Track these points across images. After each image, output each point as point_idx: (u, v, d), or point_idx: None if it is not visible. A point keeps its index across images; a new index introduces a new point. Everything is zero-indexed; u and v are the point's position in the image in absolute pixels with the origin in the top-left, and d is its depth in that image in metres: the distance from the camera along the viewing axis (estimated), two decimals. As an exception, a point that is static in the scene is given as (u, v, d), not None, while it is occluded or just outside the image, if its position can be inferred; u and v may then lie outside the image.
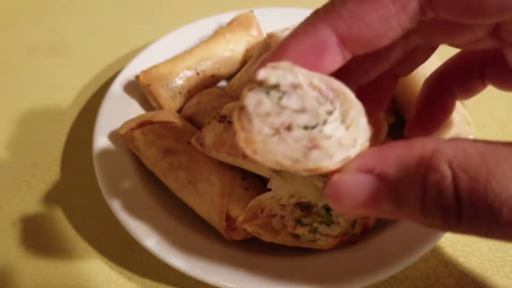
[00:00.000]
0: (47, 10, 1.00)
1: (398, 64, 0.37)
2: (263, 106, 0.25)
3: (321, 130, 0.25)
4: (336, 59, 0.30)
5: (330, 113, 0.26)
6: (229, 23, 0.75)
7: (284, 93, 0.26)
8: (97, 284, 0.54)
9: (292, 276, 0.48)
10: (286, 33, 0.55)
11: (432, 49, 0.37)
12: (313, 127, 0.25)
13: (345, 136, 0.26)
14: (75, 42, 0.91)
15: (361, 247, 0.50)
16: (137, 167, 0.59)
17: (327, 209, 0.49)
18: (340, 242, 0.50)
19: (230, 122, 0.48)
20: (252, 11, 0.77)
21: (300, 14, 0.78)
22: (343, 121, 0.26)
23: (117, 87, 0.68)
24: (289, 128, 0.25)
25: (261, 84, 0.26)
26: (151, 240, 0.50)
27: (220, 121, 0.49)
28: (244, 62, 0.72)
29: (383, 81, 0.39)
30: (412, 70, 0.39)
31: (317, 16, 0.29)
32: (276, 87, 0.26)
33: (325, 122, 0.26)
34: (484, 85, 0.40)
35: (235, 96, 0.57)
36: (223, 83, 0.74)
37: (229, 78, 0.73)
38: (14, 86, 0.82)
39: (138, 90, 0.69)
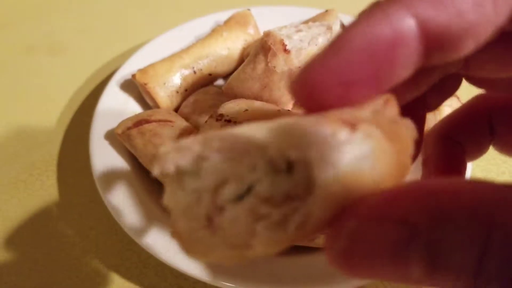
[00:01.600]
0: (45, 10, 0.99)
1: (430, 92, 0.29)
2: (179, 200, 0.20)
3: (256, 191, 0.19)
4: (412, 60, 0.21)
5: (253, 168, 0.19)
6: (226, 22, 0.75)
7: (195, 173, 0.20)
8: (95, 284, 0.54)
9: (290, 275, 0.48)
10: (284, 31, 0.55)
11: (460, 81, 0.30)
12: (246, 193, 0.19)
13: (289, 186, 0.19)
14: (72, 42, 0.91)
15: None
16: (134, 166, 0.59)
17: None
18: (338, 240, 0.50)
19: (227, 121, 0.48)
20: (249, 10, 0.77)
21: (297, 13, 0.80)
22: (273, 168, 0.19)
23: (114, 86, 0.68)
24: (221, 209, 0.19)
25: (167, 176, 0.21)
26: (148, 240, 0.50)
27: (217, 120, 0.49)
28: (241, 60, 0.72)
29: (413, 111, 0.30)
30: (441, 103, 0.32)
31: None
32: (182, 173, 0.20)
33: (255, 180, 0.19)
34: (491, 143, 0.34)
35: (232, 94, 0.57)
36: (220, 82, 0.74)
37: (226, 76, 0.73)
38: (12, 85, 0.82)
39: (135, 89, 0.69)
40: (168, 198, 0.21)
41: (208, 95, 0.65)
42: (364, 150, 0.18)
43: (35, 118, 0.75)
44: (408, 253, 0.18)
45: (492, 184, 0.17)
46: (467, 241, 0.17)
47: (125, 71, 0.70)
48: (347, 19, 0.75)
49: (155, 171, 0.20)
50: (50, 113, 0.76)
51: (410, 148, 0.20)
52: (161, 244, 0.50)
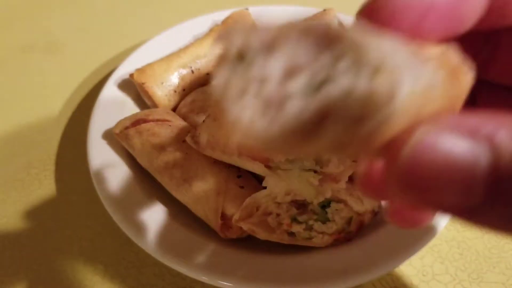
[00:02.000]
0: (42, 9, 0.99)
1: None
2: (235, 84, 0.18)
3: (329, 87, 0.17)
4: (479, 9, 0.21)
5: (337, 58, 0.17)
6: (224, 21, 0.75)
7: (263, 56, 0.18)
8: (93, 284, 0.54)
9: (288, 274, 0.48)
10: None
11: None
12: (317, 88, 0.17)
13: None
14: (69, 41, 0.91)
15: (357, 245, 0.50)
16: (131, 165, 0.59)
17: (323, 206, 0.49)
18: (335, 239, 0.50)
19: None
20: (247, 9, 0.77)
21: (295, 12, 0.80)
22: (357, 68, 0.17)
23: (111, 85, 0.68)
24: (286, 99, 0.18)
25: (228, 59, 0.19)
26: (146, 240, 0.50)
27: (215, 119, 0.49)
28: (239, 60, 0.72)
29: None
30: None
31: None
32: (243, 56, 0.18)
33: (330, 76, 0.17)
34: None
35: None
36: (218, 81, 0.74)
37: (224, 76, 0.73)
38: (9, 84, 0.82)
39: (133, 88, 0.69)
40: (220, 81, 0.18)
41: (206, 95, 0.65)
42: (436, 79, 0.17)
43: (32, 117, 0.75)
44: (481, 175, 0.16)
45: None
46: None
47: (122, 71, 0.70)
48: (345, 19, 0.76)
49: (217, 45, 0.18)
50: (48, 113, 0.75)
51: (464, 95, 0.20)
52: (159, 244, 0.50)
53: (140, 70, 0.66)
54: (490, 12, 0.21)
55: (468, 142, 0.16)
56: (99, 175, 0.56)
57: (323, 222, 0.49)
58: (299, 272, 0.48)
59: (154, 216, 0.53)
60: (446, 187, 0.16)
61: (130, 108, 0.67)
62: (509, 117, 0.16)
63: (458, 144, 0.16)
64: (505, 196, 0.16)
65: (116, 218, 0.52)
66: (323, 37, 0.18)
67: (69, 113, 0.75)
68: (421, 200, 0.17)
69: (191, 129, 0.58)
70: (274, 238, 0.49)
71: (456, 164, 0.16)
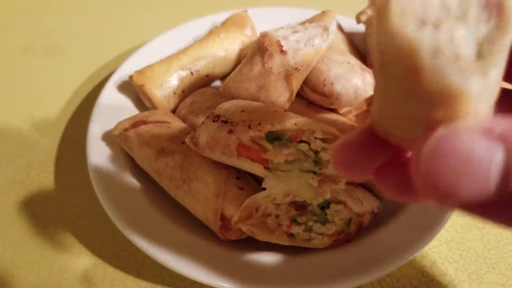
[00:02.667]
0: (42, 11, 0.99)
1: None
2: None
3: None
4: None
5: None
6: (223, 23, 0.75)
7: None
8: (92, 285, 0.54)
9: (287, 276, 0.48)
10: (280, 32, 0.55)
11: None
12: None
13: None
14: (69, 43, 0.91)
15: (356, 246, 0.50)
16: (131, 167, 0.59)
17: (322, 207, 0.49)
18: (335, 240, 0.50)
19: (224, 122, 0.48)
20: (246, 11, 0.77)
21: (294, 14, 0.80)
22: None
23: (111, 87, 0.68)
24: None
25: None
26: (145, 241, 0.50)
27: (214, 121, 0.49)
28: (238, 61, 0.72)
29: None
30: None
31: None
32: None
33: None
34: None
35: (229, 95, 0.57)
36: (217, 83, 0.74)
37: (223, 77, 0.73)
38: (8, 86, 0.82)
39: (132, 90, 0.69)
40: None
41: (205, 96, 0.65)
42: None
43: (32, 118, 0.75)
44: (495, 170, 0.18)
45: None
46: None
47: (122, 73, 0.70)
48: (344, 20, 0.76)
49: None
50: (47, 114, 0.76)
51: None
52: (158, 246, 0.50)
53: (140, 72, 0.66)
54: None
55: (484, 141, 0.18)
56: (98, 177, 0.56)
57: (323, 223, 0.49)
58: (298, 273, 0.48)
59: (153, 217, 0.53)
60: (464, 181, 0.18)
61: (129, 109, 0.67)
62: None
63: (475, 141, 0.18)
64: None
65: (115, 219, 0.52)
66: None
67: (68, 115, 0.75)
68: (441, 194, 0.18)
69: (191, 130, 0.58)
70: (273, 239, 0.49)
71: (473, 159, 0.18)
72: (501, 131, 0.18)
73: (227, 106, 0.51)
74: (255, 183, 0.54)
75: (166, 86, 0.66)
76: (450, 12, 0.20)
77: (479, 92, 0.20)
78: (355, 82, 0.55)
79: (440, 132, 0.19)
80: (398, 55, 0.20)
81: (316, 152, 0.45)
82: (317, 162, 0.45)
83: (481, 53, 0.20)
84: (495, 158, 0.18)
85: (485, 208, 0.19)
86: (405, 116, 0.23)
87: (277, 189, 0.47)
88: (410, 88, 0.21)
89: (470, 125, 0.18)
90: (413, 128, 0.22)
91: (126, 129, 0.59)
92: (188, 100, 0.66)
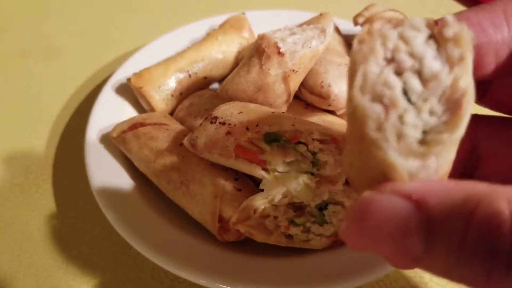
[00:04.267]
0: (40, 14, 0.99)
1: None
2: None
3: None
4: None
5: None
6: (221, 25, 0.75)
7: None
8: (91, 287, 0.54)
9: (285, 277, 0.48)
10: (278, 34, 0.55)
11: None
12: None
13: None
14: (67, 46, 0.91)
15: (354, 247, 0.50)
16: (129, 169, 0.59)
17: (320, 208, 0.49)
18: (333, 241, 0.50)
19: (222, 123, 0.48)
20: (243, 13, 0.77)
21: (292, 16, 0.80)
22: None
23: (109, 89, 0.68)
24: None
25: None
26: (144, 243, 0.50)
27: (212, 122, 0.49)
28: (236, 64, 0.72)
29: None
30: None
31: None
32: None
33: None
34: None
35: (227, 97, 0.57)
36: (215, 85, 0.74)
37: (221, 80, 0.73)
38: (7, 89, 0.82)
39: (130, 92, 0.69)
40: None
41: (203, 99, 0.65)
42: None
43: (30, 121, 0.75)
44: (411, 224, 0.21)
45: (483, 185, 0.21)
46: (456, 216, 0.20)
47: (120, 75, 0.70)
48: (341, 23, 0.76)
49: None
50: (46, 117, 0.76)
51: None
52: (157, 248, 0.50)
53: (138, 75, 0.66)
54: None
55: (404, 202, 0.21)
56: (97, 179, 0.56)
57: (321, 224, 0.49)
58: (296, 275, 0.48)
59: (152, 219, 0.53)
60: (387, 238, 0.22)
61: (127, 112, 0.67)
62: (435, 182, 0.22)
63: (396, 202, 0.22)
64: (440, 239, 0.20)
65: (114, 222, 0.52)
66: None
67: (67, 117, 0.75)
68: (374, 250, 0.23)
69: (188, 132, 0.58)
70: (271, 240, 0.49)
71: (393, 217, 0.21)
72: (419, 196, 0.21)
73: (225, 108, 0.51)
74: (253, 184, 0.55)
75: (164, 88, 0.66)
76: (410, 96, 0.23)
77: (415, 171, 0.22)
78: (352, 83, 0.56)
79: (366, 193, 0.23)
80: (355, 116, 0.23)
81: (314, 153, 0.45)
82: (315, 163, 0.45)
83: (425, 141, 0.22)
84: (413, 217, 0.21)
85: (419, 260, 0.21)
86: (359, 169, 0.26)
87: (275, 190, 0.48)
88: (362, 146, 0.23)
89: (393, 189, 0.22)
90: (363, 183, 0.26)
91: (124, 132, 0.59)
92: (186, 102, 0.66)
